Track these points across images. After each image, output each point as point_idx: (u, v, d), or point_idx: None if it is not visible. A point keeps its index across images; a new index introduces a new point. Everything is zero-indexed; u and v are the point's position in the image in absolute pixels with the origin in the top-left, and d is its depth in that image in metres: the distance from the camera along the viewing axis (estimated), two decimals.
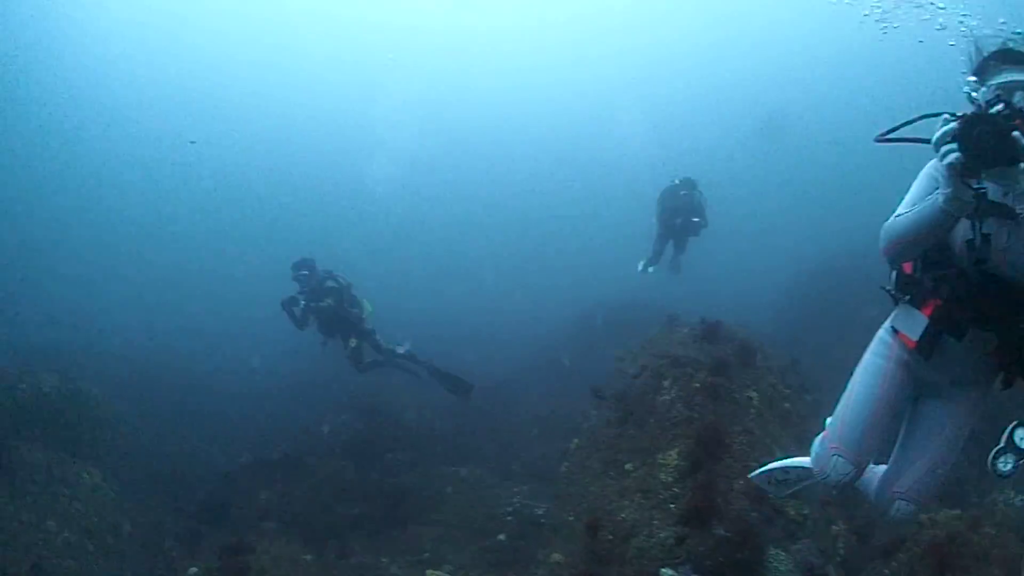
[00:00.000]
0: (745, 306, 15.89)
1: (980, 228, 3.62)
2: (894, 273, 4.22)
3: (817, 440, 4.43)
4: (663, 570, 6.43)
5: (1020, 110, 3.32)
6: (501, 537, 10.00)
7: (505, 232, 37.57)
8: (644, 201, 17.17)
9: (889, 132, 4.02)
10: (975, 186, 3.39)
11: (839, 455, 4.19)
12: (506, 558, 9.31)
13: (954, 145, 3.26)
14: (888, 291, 4.25)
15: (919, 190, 3.93)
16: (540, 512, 10.05)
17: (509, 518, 10.37)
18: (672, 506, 6.90)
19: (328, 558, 9.86)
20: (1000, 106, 3.31)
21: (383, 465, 12.38)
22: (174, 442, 13.78)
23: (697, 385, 8.20)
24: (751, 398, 8.33)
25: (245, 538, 9.50)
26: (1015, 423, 4.04)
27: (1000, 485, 7.76)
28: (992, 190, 3.53)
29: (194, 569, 9.04)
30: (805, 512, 7.25)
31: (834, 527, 7.59)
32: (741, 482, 7.14)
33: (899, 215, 3.82)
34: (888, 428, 4.24)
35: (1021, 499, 8.48)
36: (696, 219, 15.92)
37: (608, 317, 17.78)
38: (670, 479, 7.16)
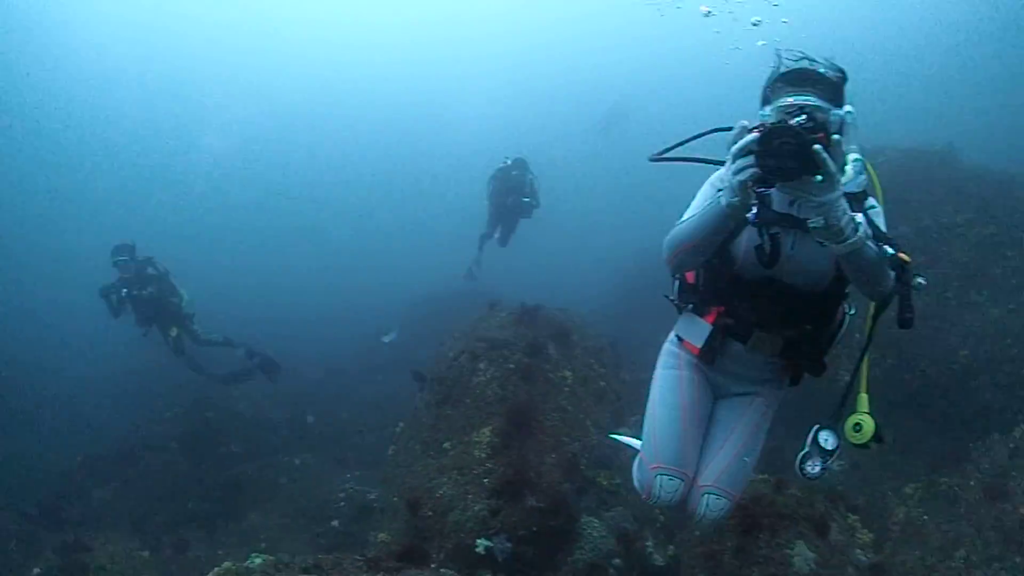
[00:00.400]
0: (574, 292, 16.18)
1: (768, 234, 3.67)
2: (676, 283, 4.25)
3: (635, 465, 4.38)
4: (479, 540, 6.77)
5: (823, 123, 3.35)
6: (335, 523, 10.15)
7: (339, 218, 37.30)
8: (479, 189, 17.06)
9: (671, 148, 4.11)
10: (759, 191, 3.48)
11: (662, 473, 4.11)
12: (339, 543, 9.46)
13: (750, 159, 3.25)
14: (672, 301, 4.30)
15: (703, 199, 3.95)
16: (372, 496, 10.20)
17: (342, 504, 10.50)
18: (486, 481, 7.22)
19: (165, 553, 9.84)
20: (802, 118, 3.32)
21: (217, 457, 12.32)
22: (9, 443, 13.41)
23: (511, 366, 8.58)
24: (565, 377, 8.74)
25: (82, 537, 9.43)
26: (817, 426, 4.04)
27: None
28: (777, 199, 3.63)
29: (37, 570, 8.96)
30: (617, 482, 7.66)
31: None
32: (553, 456, 7.54)
33: (678, 223, 3.82)
34: (700, 433, 4.20)
35: (838, 463, 9.12)
36: (527, 199, 15.83)
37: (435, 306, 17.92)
38: (483, 455, 7.48)
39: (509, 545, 6.76)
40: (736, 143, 3.31)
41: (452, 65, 43.61)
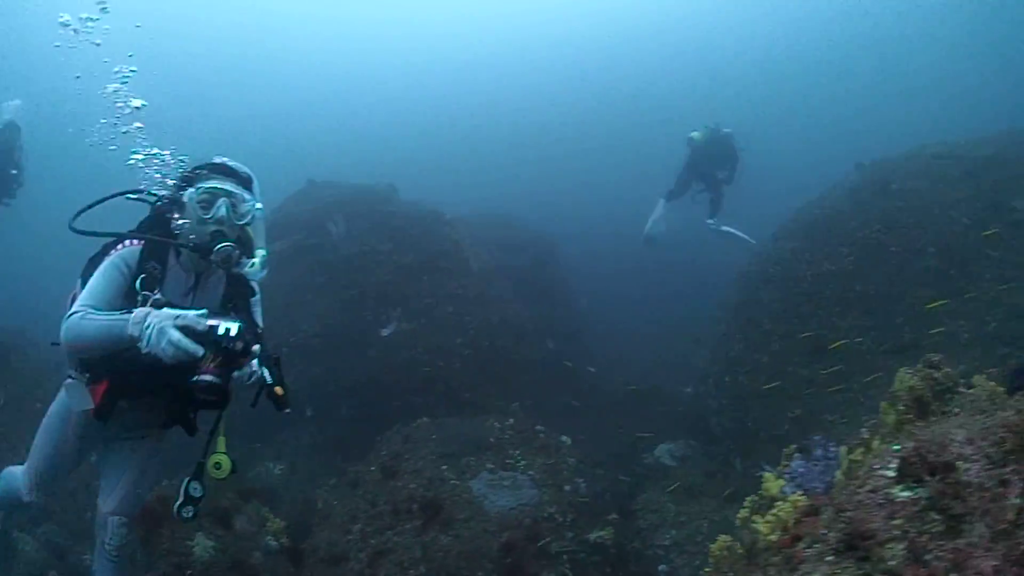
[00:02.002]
0: None
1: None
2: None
3: (20, 471, 5.01)
4: None
5: (247, 347, 3.93)
6: None
7: None
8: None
9: (83, 210, 4.41)
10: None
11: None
12: None
13: (192, 351, 3.81)
14: (69, 373, 4.54)
15: (105, 283, 4.30)
16: None
17: None
18: None
19: None
20: (237, 340, 3.90)
21: None
22: None
23: None
24: None
25: None
26: (188, 479, 4.62)
27: None
28: (175, 288, 4.36)
29: None
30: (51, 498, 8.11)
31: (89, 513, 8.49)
32: None
33: (88, 315, 4.12)
34: (73, 461, 4.92)
35: (279, 467, 10.28)
36: (15, 171, 12.97)
37: None
38: None
39: None
40: (188, 325, 3.88)
41: None
